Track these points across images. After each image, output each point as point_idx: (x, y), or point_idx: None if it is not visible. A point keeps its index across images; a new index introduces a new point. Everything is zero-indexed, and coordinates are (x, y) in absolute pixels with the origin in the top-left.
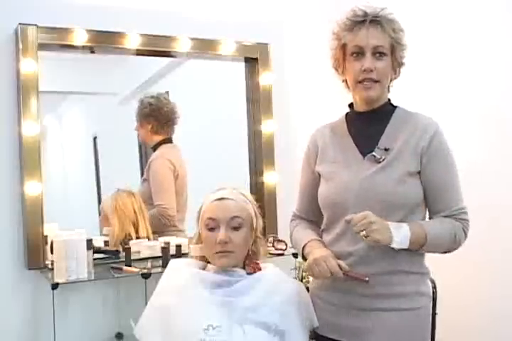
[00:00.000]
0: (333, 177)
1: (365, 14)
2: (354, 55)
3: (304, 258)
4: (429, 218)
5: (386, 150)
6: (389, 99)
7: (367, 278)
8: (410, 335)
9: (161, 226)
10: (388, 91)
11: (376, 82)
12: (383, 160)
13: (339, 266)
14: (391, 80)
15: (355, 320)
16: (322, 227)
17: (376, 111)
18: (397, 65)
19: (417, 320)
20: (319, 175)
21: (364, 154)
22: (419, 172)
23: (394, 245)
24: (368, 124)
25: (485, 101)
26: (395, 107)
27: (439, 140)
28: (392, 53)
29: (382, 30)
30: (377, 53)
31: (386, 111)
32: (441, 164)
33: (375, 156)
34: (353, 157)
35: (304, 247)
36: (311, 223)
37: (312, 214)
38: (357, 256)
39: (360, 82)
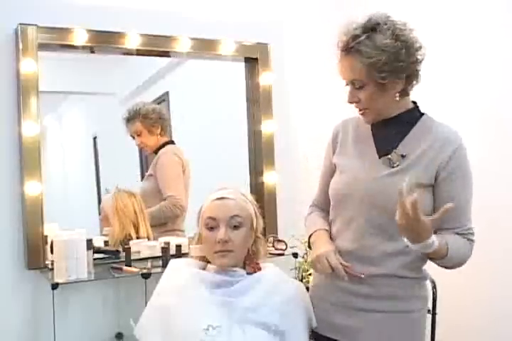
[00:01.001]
0: (346, 171)
1: (343, 41)
2: (345, 84)
3: (310, 246)
4: (434, 233)
5: (402, 156)
6: (416, 105)
7: (362, 275)
8: (400, 337)
9: (170, 218)
10: (407, 94)
11: (366, 109)
12: (397, 165)
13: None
14: (399, 92)
15: (348, 319)
16: (330, 219)
17: (398, 117)
18: (382, 86)
19: (409, 323)
20: (335, 167)
21: (380, 155)
22: (432, 186)
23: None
24: (390, 127)
25: (484, 101)
26: (422, 114)
27: (460, 157)
28: (373, 78)
29: (354, 59)
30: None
31: (410, 117)
32: (458, 182)
33: (390, 160)
34: (370, 156)
35: (311, 235)
36: (325, 212)
37: (326, 205)
38: (352, 255)
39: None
